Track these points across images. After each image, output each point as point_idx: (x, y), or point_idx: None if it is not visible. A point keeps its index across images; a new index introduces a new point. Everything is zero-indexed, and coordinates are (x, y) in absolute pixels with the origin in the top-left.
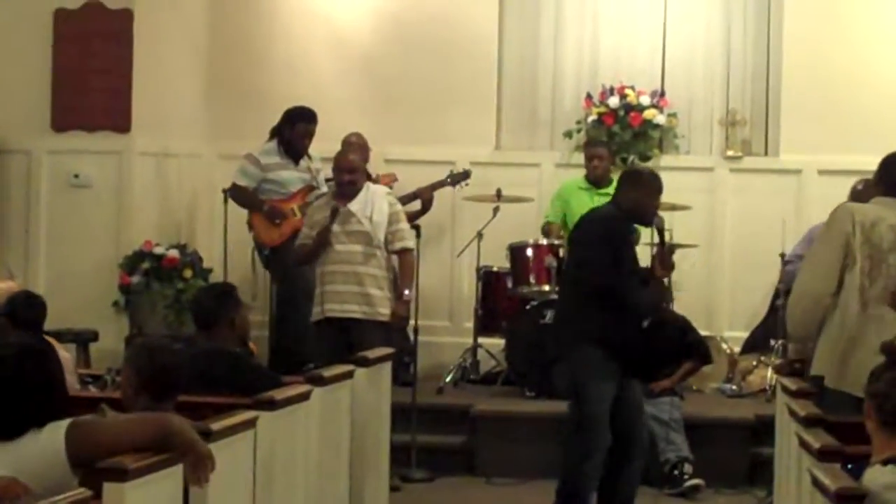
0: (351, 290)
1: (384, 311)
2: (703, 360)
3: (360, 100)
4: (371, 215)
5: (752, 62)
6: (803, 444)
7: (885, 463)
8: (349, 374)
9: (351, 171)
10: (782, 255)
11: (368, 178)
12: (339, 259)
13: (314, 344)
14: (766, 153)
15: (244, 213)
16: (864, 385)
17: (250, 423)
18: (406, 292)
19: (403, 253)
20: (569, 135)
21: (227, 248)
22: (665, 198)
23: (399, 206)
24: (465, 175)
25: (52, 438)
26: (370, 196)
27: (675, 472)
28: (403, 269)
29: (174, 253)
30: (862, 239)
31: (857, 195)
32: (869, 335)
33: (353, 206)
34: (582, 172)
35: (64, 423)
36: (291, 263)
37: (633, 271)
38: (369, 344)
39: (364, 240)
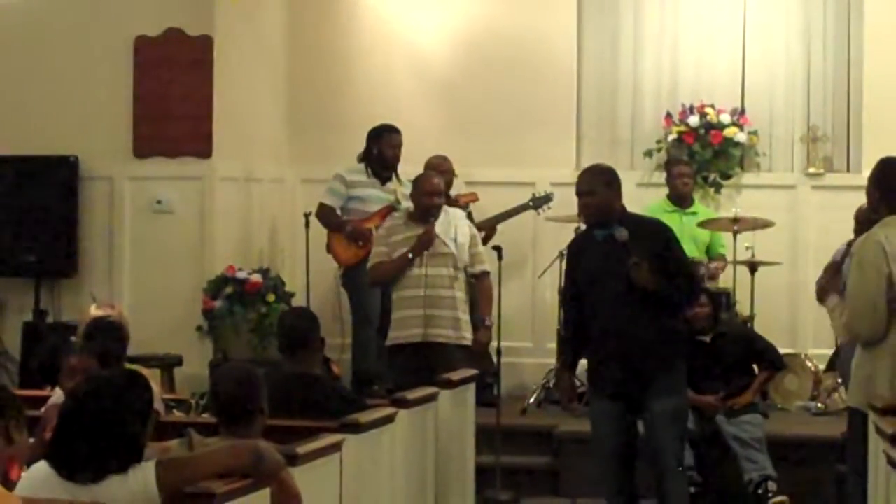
0: (437, 313)
1: (468, 334)
2: (775, 367)
3: (440, 123)
4: (455, 237)
5: (833, 77)
6: (891, 462)
7: None
8: (433, 397)
9: (440, 194)
10: None
11: (448, 199)
12: (422, 283)
13: (391, 368)
14: (848, 169)
15: (325, 235)
16: None
17: (336, 447)
18: (487, 318)
19: (483, 276)
20: (649, 154)
21: (310, 272)
22: (747, 214)
23: (475, 230)
24: (548, 199)
25: (141, 480)
26: (451, 218)
27: (760, 492)
28: (484, 293)
29: (257, 277)
30: None
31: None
32: None
33: (436, 228)
34: (662, 192)
35: (150, 464)
36: (368, 283)
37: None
38: (454, 367)
39: (450, 262)
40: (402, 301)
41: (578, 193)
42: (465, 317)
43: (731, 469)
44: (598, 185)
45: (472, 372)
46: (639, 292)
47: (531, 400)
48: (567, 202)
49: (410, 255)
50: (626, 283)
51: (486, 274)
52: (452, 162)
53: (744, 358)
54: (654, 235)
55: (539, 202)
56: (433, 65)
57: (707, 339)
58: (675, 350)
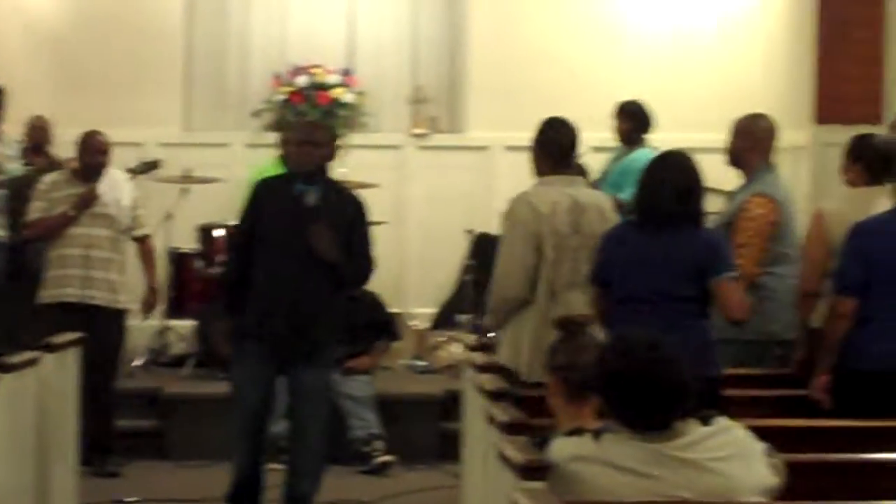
0: (95, 275)
1: (123, 297)
2: (393, 337)
3: (49, 81)
4: (119, 199)
5: (439, 39)
6: (490, 419)
7: (570, 434)
8: (35, 361)
9: (104, 152)
10: (470, 231)
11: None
12: (80, 242)
13: (41, 325)
14: (453, 130)
15: None
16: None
17: None
18: (153, 282)
19: (146, 239)
20: (257, 114)
21: None
22: (354, 176)
23: (137, 193)
24: (154, 165)
25: None
26: (113, 179)
27: (366, 450)
28: (147, 255)
29: None
30: (547, 230)
31: None
32: None
33: (100, 189)
34: (271, 153)
35: None
36: (25, 238)
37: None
38: (108, 330)
39: (109, 224)
40: (60, 260)
41: (303, 142)
42: (120, 278)
43: (339, 427)
44: (325, 140)
45: (77, 335)
46: (319, 259)
47: (138, 362)
48: (174, 163)
49: (71, 213)
50: (309, 245)
51: (148, 237)
52: (60, 121)
53: (371, 324)
54: (348, 208)
55: (143, 169)
56: (41, 21)
57: None
58: (338, 325)
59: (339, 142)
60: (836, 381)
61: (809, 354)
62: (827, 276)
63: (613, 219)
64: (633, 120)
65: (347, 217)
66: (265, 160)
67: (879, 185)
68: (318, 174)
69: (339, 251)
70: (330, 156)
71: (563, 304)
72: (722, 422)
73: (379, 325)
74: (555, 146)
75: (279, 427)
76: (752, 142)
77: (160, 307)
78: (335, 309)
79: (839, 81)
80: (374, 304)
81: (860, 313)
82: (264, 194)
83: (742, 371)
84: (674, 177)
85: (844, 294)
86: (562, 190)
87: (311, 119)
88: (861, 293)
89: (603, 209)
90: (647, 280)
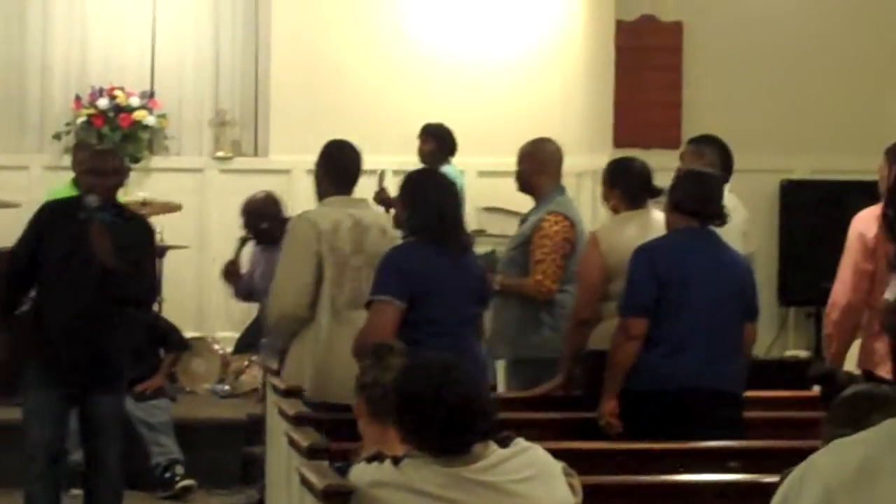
0: None
1: None
2: (180, 347)
3: None
4: None
5: (241, 63)
6: (292, 443)
7: (370, 460)
8: None
9: None
10: None
11: None
12: None
13: None
14: (256, 153)
15: None
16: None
17: None
18: None
19: None
20: (58, 137)
21: None
22: (155, 199)
23: None
24: None
25: None
26: None
27: (167, 475)
28: None
29: None
30: (328, 248)
31: None
32: (344, 342)
33: None
34: (70, 175)
35: None
36: None
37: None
38: None
39: None
40: None
41: (90, 170)
42: None
43: (138, 453)
44: (112, 169)
45: None
46: (106, 282)
47: None
48: None
49: None
50: (98, 271)
51: None
52: None
53: (152, 339)
54: (136, 232)
55: None
56: None
57: None
58: (129, 350)
59: (130, 166)
60: (623, 402)
61: (571, 375)
62: (609, 300)
63: (396, 238)
64: (436, 141)
65: (135, 239)
66: (61, 183)
67: (643, 208)
68: (106, 201)
69: (119, 260)
70: (119, 184)
71: (347, 323)
72: (521, 443)
73: (161, 339)
74: (338, 168)
75: (77, 455)
76: (538, 165)
77: None
78: (125, 333)
79: (638, 107)
80: (152, 320)
81: (647, 334)
82: (49, 217)
83: (523, 393)
84: (459, 200)
85: (635, 315)
86: (344, 210)
87: (103, 146)
88: (651, 314)
89: (385, 229)
90: (451, 304)
